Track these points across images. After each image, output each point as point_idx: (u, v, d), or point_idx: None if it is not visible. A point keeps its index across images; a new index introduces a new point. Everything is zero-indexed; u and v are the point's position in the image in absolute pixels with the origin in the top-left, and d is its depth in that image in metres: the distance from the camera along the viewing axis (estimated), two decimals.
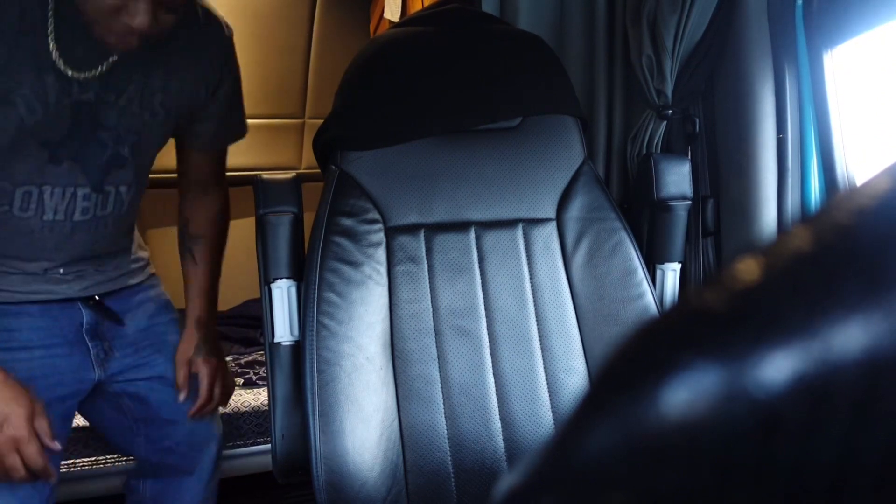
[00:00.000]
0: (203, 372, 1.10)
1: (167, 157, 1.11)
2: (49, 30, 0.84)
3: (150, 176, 1.07)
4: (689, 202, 1.09)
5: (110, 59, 0.89)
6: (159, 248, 1.70)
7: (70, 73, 0.86)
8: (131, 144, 0.97)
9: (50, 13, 0.83)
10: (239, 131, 1.13)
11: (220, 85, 1.04)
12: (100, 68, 0.89)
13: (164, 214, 1.04)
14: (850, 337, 0.13)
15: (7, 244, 0.95)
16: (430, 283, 0.96)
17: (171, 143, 1.09)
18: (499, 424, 0.92)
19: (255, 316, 2.31)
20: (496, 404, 0.93)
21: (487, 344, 0.95)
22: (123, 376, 1.10)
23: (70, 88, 0.88)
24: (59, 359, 1.02)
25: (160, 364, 1.12)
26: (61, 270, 1.00)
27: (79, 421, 1.79)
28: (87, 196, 0.95)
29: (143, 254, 1.17)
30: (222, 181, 1.18)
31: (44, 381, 0.97)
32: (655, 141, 1.18)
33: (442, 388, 0.92)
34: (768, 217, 1.06)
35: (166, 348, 1.13)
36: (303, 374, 0.88)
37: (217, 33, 1.02)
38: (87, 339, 1.05)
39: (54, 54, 0.85)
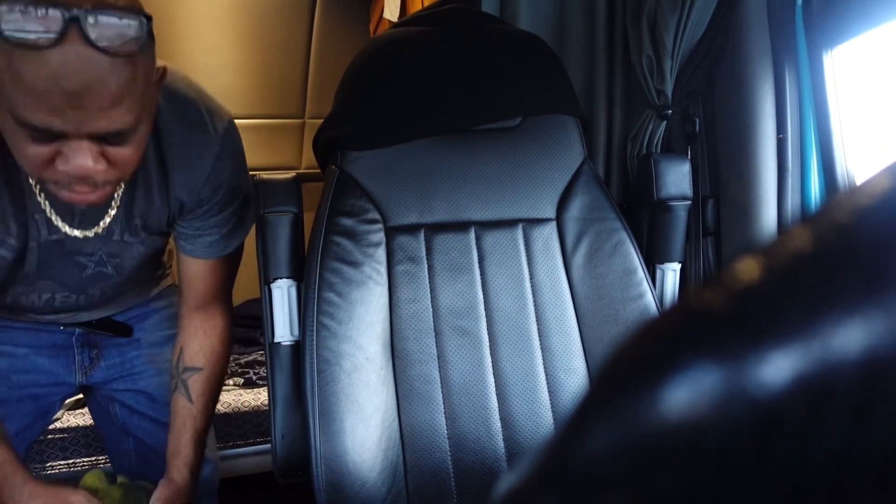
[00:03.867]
0: None
1: None
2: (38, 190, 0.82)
3: None
4: (689, 202, 1.09)
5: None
6: None
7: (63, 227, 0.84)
8: (115, 265, 0.93)
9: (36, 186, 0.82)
10: (236, 240, 0.99)
11: (211, 192, 0.91)
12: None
13: None
14: (850, 337, 0.13)
15: (16, 310, 0.98)
16: (430, 283, 0.96)
17: None
18: (499, 424, 0.92)
19: (255, 316, 2.31)
20: (496, 404, 0.93)
21: (487, 344, 0.95)
22: (108, 386, 1.10)
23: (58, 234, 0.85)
24: (44, 359, 1.04)
25: (148, 378, 1.09)
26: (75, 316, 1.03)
27: (78, 421, 1.80)
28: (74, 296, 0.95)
29: (167, 260, 1.12)
30: (225, 299, 1.03)
31: (24, 375, 1.02)
32: (655, 141, 1.18)
33: (442, 388, 0.92)
34: (768, 217, 1.06)
35: (159, 361, 1.08)
36: (303, 373, 0.88)
37: (202, 141, 0.88)
38: (75, 345, 1.06)
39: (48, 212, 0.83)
